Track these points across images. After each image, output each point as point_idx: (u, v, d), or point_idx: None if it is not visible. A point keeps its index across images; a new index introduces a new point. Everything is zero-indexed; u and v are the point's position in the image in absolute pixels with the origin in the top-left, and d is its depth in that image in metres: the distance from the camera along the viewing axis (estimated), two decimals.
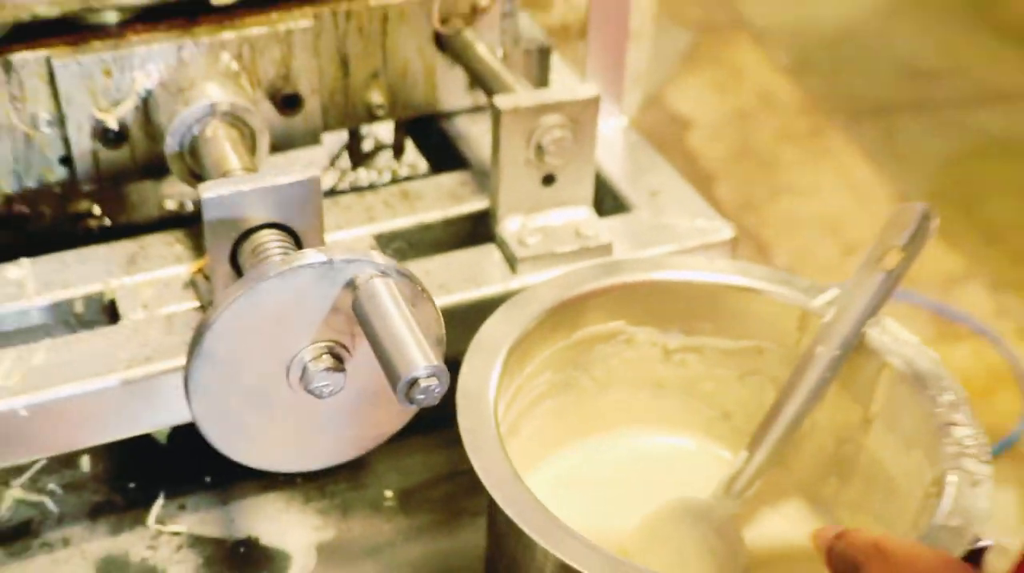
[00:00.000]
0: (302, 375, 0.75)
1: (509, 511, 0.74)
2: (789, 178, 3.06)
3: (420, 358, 0.68)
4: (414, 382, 0.67)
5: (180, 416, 0.87)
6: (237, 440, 0.78)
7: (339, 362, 0.76)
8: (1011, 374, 2.57)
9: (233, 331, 0.73)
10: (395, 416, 0.83)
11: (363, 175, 1.27)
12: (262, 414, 0.77)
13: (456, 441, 1.00)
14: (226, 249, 0.82)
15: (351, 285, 0.73)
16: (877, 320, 0.89)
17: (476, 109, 1.14)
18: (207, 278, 0.92)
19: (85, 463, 0.99)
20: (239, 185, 0.81)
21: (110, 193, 1.22)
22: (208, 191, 0.80)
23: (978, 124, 3.35)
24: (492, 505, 0.80)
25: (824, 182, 3.06)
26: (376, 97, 1.09)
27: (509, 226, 0.99)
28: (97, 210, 1.21)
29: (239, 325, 0.73)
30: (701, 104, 3.27)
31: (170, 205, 1.21)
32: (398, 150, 1.21)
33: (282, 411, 0.78)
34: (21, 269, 0.93)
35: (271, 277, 0.71)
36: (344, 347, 0.76)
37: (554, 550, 0.72)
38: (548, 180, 0.99)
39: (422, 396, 0.68)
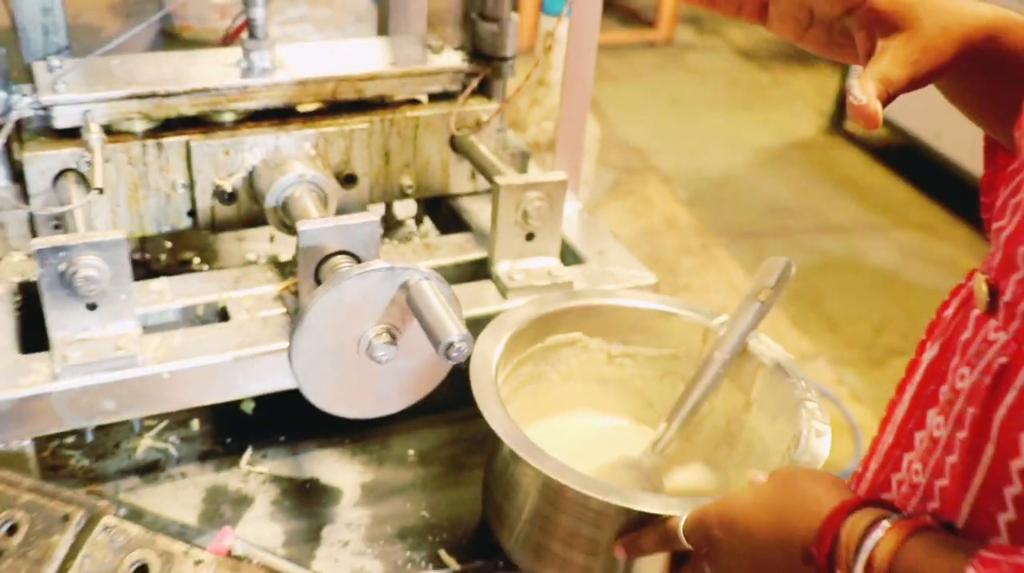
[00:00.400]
0: (368, 347, 0.82)
1: (507, 440, 0.80)
2: (686, 280, 3.15)
3: (455, 328, 0.76)
4: (451, 344, 0.76)
5: (270, 386, 0.92)
6: (321, 391, 0.84)
7: (393, 339, 0.82)
8: (847, 425, 2.65)
9: (324, 313, 0.80)
10: (427, 380, 0.88)
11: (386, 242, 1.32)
12: (339, 373, 0.83)
13: (457, 420, 1.07)
14: (312, 267, 0.88)
15: (405, 285, 0.80)
16: (755, 335, 0.96)
17: (474, 192, 1.19)
18: (293, 294, 0.97)
19: (195, 424, 1.02)
20: (324, 223, 0.88)
21: (207, 246, 1.29)
22: (304, 226, 0.87)
23: (821, 247, 3.46)
24: (493, 441, 0.86)
25: (711, 284, 3.15)
26: (407, 180, 1.15)
27: (501, 267, 1.04)
28: (197, 259, 1.28)
29: (328, 309, 0.80)
30: (621, 223, 3.36)
31: (250, 257, 1.27)
32: (419, 220, 1.26)
33: (352, 372, 0.83)
34: (161, 283, 0.98)
35: (353, 276, 0.79)
36: (396, 329, 0.82)
37: (540, 467, 0.78)
38: (530, 237, 1.04)
39: (456, 354, 0.76)
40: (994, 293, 0.63)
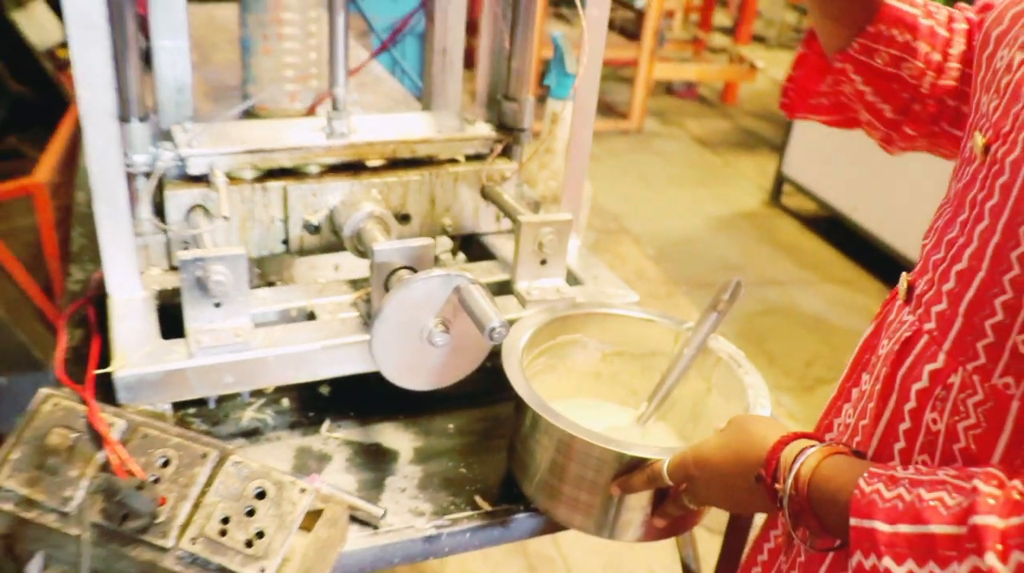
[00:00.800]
0: (428, 334, 0.91)
1: (532, 405, 0.88)
2: None
3: (496, 316, 0.85)
4: (493, 328, 0.85)
5: (346, 369, 1.00)
6: (392, 368, 0.93)
7: (447, 329, 0.91)
8: None
9: (397, 307, 0.89)
10: (469, 362, 0.96)
11: None
12: (405, 354, 0.92)
13: (485, 404, 1.15)
14: (383, 278, 0.97)
15: (457, 288, 0.90)
16: (714, 336, 1.03)
17: (498, 232, 1.27)
18: (364, 301, 1.05)
19: (286, 402, 1.09)
20: (393, 244, 0.97)
21: (286, 272, 1.38)
22: (378, 246, 0.96)
23: (763, 296, 3.56)
24: (519, 410, 0.93)
25: None
26: (448, 221, 1.23)
27: (521, 285, 1.12)
28: (279, 283, 1.37)
29: (400, 304, 0.89)
30: None
31: (321, 280, 1.35)
32: (455, 252, 1.33)
33: (415, 353, 0.92)
34: (265, 293, 1.06)
35: (420, 280, 0.89)
36: (449, 321, 0.91)
37: (557, 423, 0.86)
38: (543, 262, 1.12)
39: (497, 335, 0.85)
40: (911, 288, 0.75)
